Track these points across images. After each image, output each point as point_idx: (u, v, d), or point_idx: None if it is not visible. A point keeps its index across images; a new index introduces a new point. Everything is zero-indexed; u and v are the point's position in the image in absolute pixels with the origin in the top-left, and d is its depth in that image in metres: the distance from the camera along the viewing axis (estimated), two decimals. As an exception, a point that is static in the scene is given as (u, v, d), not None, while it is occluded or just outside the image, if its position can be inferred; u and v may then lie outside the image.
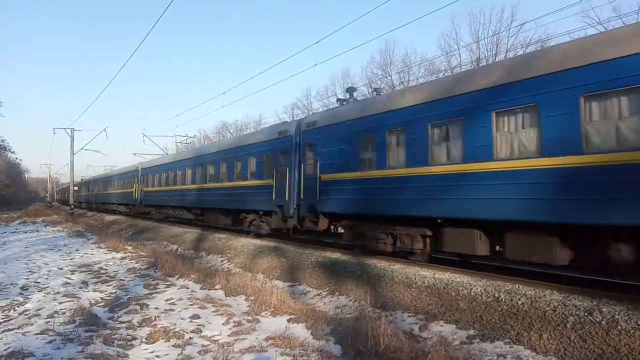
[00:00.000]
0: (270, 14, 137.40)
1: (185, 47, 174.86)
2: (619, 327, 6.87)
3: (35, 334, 7.42)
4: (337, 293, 11.34)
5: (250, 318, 8.41)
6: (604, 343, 6.76)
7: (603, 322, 7.07)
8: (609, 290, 8.66)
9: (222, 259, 17.33)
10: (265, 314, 8.73)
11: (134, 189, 40.92)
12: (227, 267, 15.94)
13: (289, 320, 8.21)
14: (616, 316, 7.10)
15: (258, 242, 18.36)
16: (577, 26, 49.73)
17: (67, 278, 12.54)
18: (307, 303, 10.55)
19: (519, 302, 8.27)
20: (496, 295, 8.74)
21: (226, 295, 10.32)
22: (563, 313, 7.57)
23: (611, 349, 6.64)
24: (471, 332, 8.10)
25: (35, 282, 12.00)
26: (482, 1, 67.65)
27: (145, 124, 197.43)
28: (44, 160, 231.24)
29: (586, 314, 7.35)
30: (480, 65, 33.95)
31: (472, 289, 9.25)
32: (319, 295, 11.59)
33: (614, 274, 9.32)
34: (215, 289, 10.88)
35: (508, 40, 37.24)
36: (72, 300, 9.72)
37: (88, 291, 10.86)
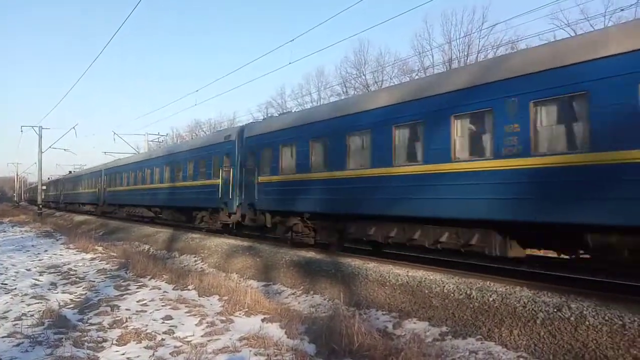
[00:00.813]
0: (243, 11, 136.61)
1: (157, 44, 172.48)
2: (587, 323, 7.02)
3: (2, 337, 7.23)
4: (311, 292, 11.35)
5: (223, 318, 8.35)
6: (572, 338, 6.91)
7: (572, 318, 7.22)
8: (577, 287, 8.88)
9: (196, 259, 17.17)
10: (239, 314, 8.68)
11: (97, 189, 42.61)
12: (201, 267, 15.80)
13: (263, 320, 8.18)
14: (584, 312, 7.26)
15: (232, 241, 18.25)
16: (546, 28, 50.69)
17: (36, 279, 12.26)
18: (281, 302, 10.52)
19: (490, 299, 8.40)
20: (468, 292, 8.85)
21: (199, 296, 10.22)
22: (533, 309, 7.71)
23: (579, 344, 6.79)
24: (444, 329, 8.19)
25: (2, 283, 11.69)
26: (454, 2, 68.49)
27: (116, 122, 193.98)
28: (11, 159, 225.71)
29: (555, 310, 7.50)
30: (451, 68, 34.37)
31: (444, 286, 9.35)
32: (293, 294, 11.58)
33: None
34: (188, 290, 10.77)
35: (479, 42, 37.83)
36: (41, 302, 9.51)
37: (57, 293, 10.64)
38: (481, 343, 7.50)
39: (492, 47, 35.48)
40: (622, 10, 25.63)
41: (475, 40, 38.02)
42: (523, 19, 57.09)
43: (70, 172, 67.60)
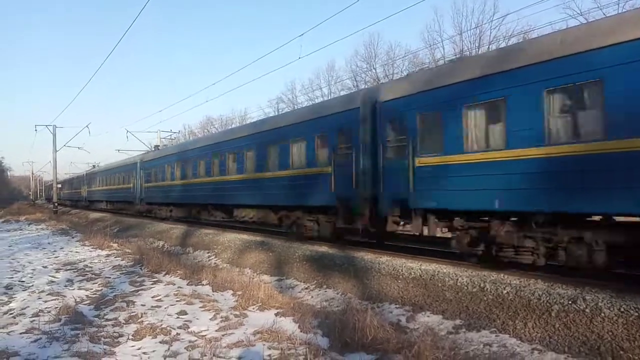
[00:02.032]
0: (253, 7, 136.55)
1: (168, 41, 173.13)
2: (602, 315, 6.97)
3: (20, 333, 7.35)
4: (324, 286, 11.37)
5: (237, 313, 8.40)
6: (587, 330, 6.86)
7: (587, 310, 7.17)
8: (592, 278, 8.80)
9: (209, 254, 17.28)
10: (253, 308, 8.73)
11: (131, 184, 37.09)
12: (214, 263, 15.90)
13: (276, 314, 8.22)
14: (599, 304, 7.20)
15: (245, 237, 18.32)
16: (558, 17, 50.07)
17: (52, 276, 12.42)
18: (294, 297, 10.56)
19: (504, 292, 8.36)
20: (482, 285, 8.82)
21: (213, 291, 10.29)
22: (547, 301, 7.66)
23: (595, 336, 6.74)
24: (457, 322, 8.17)
25: (19, 281, 11.88)
26: (465, -7, 67.87)
27: (129, 120, 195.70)
28: (26, 158, 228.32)
29: (570, 302, 7.45)
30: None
31: (458, 279, 9.32)
32: (306, 289, 11.62)
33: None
34: (202, 285, 10.85)
35: (491, 33, 37.45)
36: (57, 299, 9.63)
37: (73, 289, 10.77)
38: (495, 336, 7.48)
39: (504, 38, 35.14)
40: (635, -3, 25.20)
41: (487, 31, 37.68)
42: (534, 9, 56.31)
43: (93, 166, 65.98)
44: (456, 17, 40.37)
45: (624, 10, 23.99)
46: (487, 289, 8.65)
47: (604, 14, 25.83)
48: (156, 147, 43.24)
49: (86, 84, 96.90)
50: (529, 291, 8.13)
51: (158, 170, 31.26)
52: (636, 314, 6.73)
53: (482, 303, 8.36)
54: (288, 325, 7.60)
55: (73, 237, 23.57)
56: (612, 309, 7.00)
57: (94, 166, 65.77)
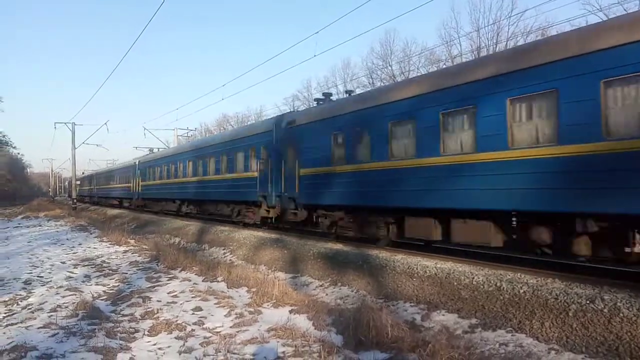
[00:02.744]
0: (268, 4, 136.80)
1: (185, 39, 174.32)
2: (621, 315, 6.86)
3: (38, 328, 7.44)
4: (339, 284, 11.36)
5: (252, 309, 8.42)
6: (606, 330, 6.76)
7: (605, 310, 7.06)
8: (611, 278, 8.67)
9: (224, 251, 17.37)
10: (267, 305, 8.74)
11: (132, 184, 42.37)
12: (229, 260, 15.98)
13: (290, 312, 8.22)
14: (618, 304, 7.09)
15: (260, 234, 18.39)
16: (577, 13, 49.37)
17: (70, 272, 12.57)
18: (309, 294, 10.56)
19: (521, 291, 8.27)
20: (498, 284, 8.73)
21: (228, 287, 10.33)
22: (565, 301, 7.56)
23: (613, 337, 6.63)
24: (473, 321, 8.10)
25: (38, 276, 12.04)
26: (483, -11, 67.00)
27: (146, 117, 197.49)
28: (45, 155, 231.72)
29: (588, 302, 7.34)
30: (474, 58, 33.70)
31: (473, 278, 9.25)
32: (321, 286, 11.61)
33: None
34: (218, 281, 10.90)
35: (509, 29, 37.07)
36: (75, 294, 9.75)
37: (91, 285, 10.89)
38: (511, 335, 7.40)
39: (522, 34, 34.76)
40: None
41: (505, 27, 37.29)
42: (553, 4, 55.58)
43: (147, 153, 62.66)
44: (473, 13, 40.30)
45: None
46: (503, 288, 8.56)
47: (625, 10, 25.39)
48: (150, 150, 50.44)
49: (104, 82, 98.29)
50: (547, 290, 8.03)
51: (151, 171, 37.54)
52: (656, 314, 6.61)
53: (498, 302, 8.28)
54: (302, 322, 7.59)
55: (91, 234, 23.84)
56: (631, 309, 6.89)
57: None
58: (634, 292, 7.52)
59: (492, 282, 8.88)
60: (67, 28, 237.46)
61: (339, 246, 14.15)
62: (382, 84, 41.85)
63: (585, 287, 8.05)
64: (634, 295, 7.32)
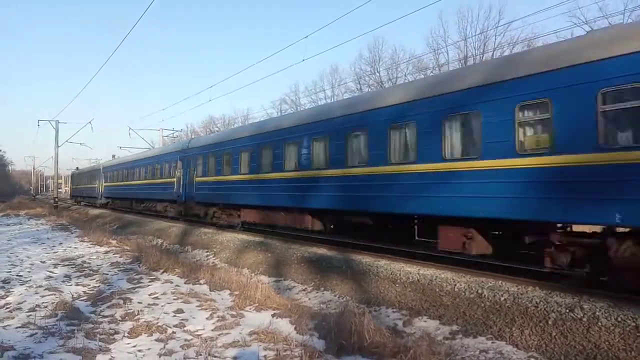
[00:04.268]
0: (257, 8, 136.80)
1: (173, 40, 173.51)
2: (600, 324, 6.95)
3: (16, 328, 7.33)
4: (322, 288, 11.36)
5: (234, 313, 8.39)
6: (584, 339, 6.85)
7: (584, 319, 7.15)
8: (590, 288, 8.78)
9: (208, 253, 17.27)
10: (250, 308, 8.72)
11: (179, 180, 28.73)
12: (212, 262, 15.89)
13: (273, 315, 8.20)
14: (597, 313, 7.19)
15: (244, 237, 18.33)
16: (563, 26, 50.09)
17: (50, 272, 12.41)
18: (292, 298, 10.55)
19: (502, 298, 8.35)
20: (479, 291, 8.80)
21: (210, 290, 10.28)
22: (545, 309, 7.65)
23: (591, 345, 6.72)
24: (454, 327, 8.16)
25: (17, 275, 11.86)
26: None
27: (132, 117, 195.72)
28: (27, 152, 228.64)
29: (567, 311, 7.43)
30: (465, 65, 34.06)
31: (456, 285, 9.31)
32: (304, 290, 11.60)
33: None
34: (200, 284, 10.84)
35: (495, 39, 37.49)
36: (54, 294, 9.62)
37: (71, 285, 10.76)
38: (492, 342, 7.46)
39: (509, 45, 35.17)
40: (641, 8, 25.19)
41: (491, 37, 37.70)
42: (540, 16, 56.43)
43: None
44: (461, 22, 40.44)
45: (629, 20, 24.01)
46: (484, 295, 8.63)
47: (609, 23, 25.83)
48: (113, 156, 55.83)
49: (90, 80, 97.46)
50: (527, 298, 8.12)
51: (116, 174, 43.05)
52: (633, 324, 6.72)
53: (479, 309, 8.35)
54: (284, 326, 7.58)
55: (72, 233, 23.55)
56: (609, 318, 6.99)
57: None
58: (612, 301, 7.63)
59: (473, 289, 8.95)
60: (53, 25, 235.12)
61: (323, 250, 14.16)
62: (369, 90, 41.99)
63: (565, 295, 8.15)
64: (612, 305, 7.43)
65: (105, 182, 46.44)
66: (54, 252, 16.32)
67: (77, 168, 71.17)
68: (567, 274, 9.46)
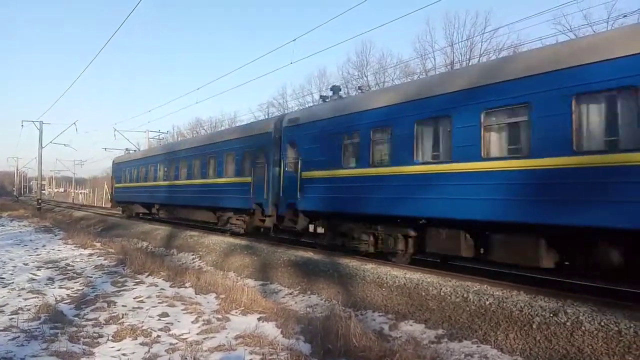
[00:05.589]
0: (246, 10, 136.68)
1: (159, 41, 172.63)
2: (583, 328, 7.02)
3: (-2, 331, 7.24)
4: (308, 292, 11.34)
5: (220, 316, 8.34)
6: (568, 343, 6.91)
7: (568, 323, 7.22)
8: (574, 292, 8.88)
9: (194, 256, 17.17)
10: (236, 312, 8.68)
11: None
12: (198, 265, 15.80)
13: (259, 319, 8.18)
14: (580, 317, 7.26)
15: (230, 240, 18.25)
16: (548, 33, 50.64)
17: (33, 274, 12.26)
18: (278, 302, 10.52)
19: (487, 303, 8.40)
20: (465, 295, 8.85)
21: (196, 294, 10.22)
22: (529, 313, 7.71)
23: (575, 350, 6.79)
24: (440, 331, 8.19)
25: (-1, 277, 11.70)
26: (457, 5, 68.49)
27: (117, 119, 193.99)
28: (11, 153, 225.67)
29: (552, 315, 7.50)
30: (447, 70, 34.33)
31: (441, 289, 9.35)
32: (290, 294, 11.58)
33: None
34: (185, 287, 10.77)
35: (481, 45, 37.77)
36: (38, 297, 9.51)
37: (54, 288, 10.64)
38: (477, 346, 7.50)
39: (495, 51, 35.45)
40: (624, 16, 25.51)
41: (478, 44, 37.97)
42: (525, 23, 57.04)
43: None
44: (448, 28, 40.63)
45: (613, 27, 24.38)
46: (470, 299, 8.68)
47: (594, 31, 26.18)
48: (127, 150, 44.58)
49: (74, 81, 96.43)
50: (512, 303, 8.18)
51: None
52: (616, 328, 6.79)
53: (464, 313, 8.39)
54: (270, 330, 7.56)
55: (56, 235, 23.29)
56: (592, 322, 7.06)
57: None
58: (596, 306, 7.72)
59: (459, 293, 9.00)
60: (37, 26, 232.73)
61: (309, 254, 14.14)
62: (356, 94, 42.10)
63: (549, 300, 8.22)
64: (596, 310, 7.51)
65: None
66: (37, 255, 16.12)
67: (127, 150, 45.16)
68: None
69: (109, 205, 41.97)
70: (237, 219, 19.73)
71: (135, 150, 43.00)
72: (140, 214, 32.75)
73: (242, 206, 18.74)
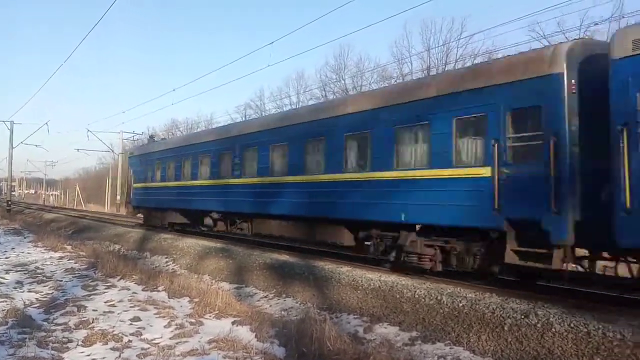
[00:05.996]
0: (224, 11, 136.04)
1: (135, 41, 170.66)
2: (553, 330, 7.14)
3: (-37, 337, 7.04)
4: (284, 295, 11.31)
5: (193, 320, 8.26)
6: (538, 345, 7.03)
7: (538, 325, 7.33)
8: (545, 294, 9.03)
9: (167, 259, 16.97)
10: (210, 316, 8.60)
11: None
12: (172, 268, 15.63)
13: (233, 323, 8.12)
14: (551, 319, 7.38)
15: (205, 242, 18.09)
16: (523, 39, 51.56)
17: (1, 277, 11.96)
18: (253, 305, 10.47)
19: (460, 305, 8.48)
20: (439, 297, 8.93)
21: (169, 297, 10.10)
22: (501, 315, 7.81)
23: (545, 351, 6.90)
24: (414, 333, 8.25)
25: (-35, 281, 11.39)
26: (434, 11, 69.25)
27: (90, 119, 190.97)
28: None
29: (523, 317, 7.61)
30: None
31: (416, 291, 9.41)
32: (265, 297, 11.53)
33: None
34: (158, 291, 10.63)
35: (457, 51, 38.23)
36: (5, 301, 9.27)
37: (23, 291, 10.41)
38: (450, 348, 7.58)
39: (470, 57, 35.92)
40: (596, 24, 26.12)
41: (454, 49, 38.43)
42: (501, 29, 57.81)
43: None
44: (424, 33, 41.02)
45: (585, 34, 24.92)
46: (443, 301, 8.76)
47: (567, 38, 26.73)
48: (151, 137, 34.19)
49: (47, 81, 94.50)
50: (484, 305, 8.27)
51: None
52: (585, 330, 6.92)
53: (438, 315, 8.46)
54: (245, 334, 7.51)
55: (25, 238, 22.78)
56: (562, 324, 7.19)
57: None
58: (566, 308, 7.85)
59: (433, 295, 9.07)
60: (7, 22, 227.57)
61: (285, 257, 14.10)
62: (334, 97, 42.20)
63: (520, 302, 8.34)
64: (565, 312, 7.64)
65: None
66: (6, 258, 15.74)
67: (151, 137, 34.29)
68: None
69: (80, 207, 41.37)
70: (456, 248, 10.26)
71: (163, 139, 33.89)
72: (176, 226, 23.47)
73: (459, 223, 9.93)
